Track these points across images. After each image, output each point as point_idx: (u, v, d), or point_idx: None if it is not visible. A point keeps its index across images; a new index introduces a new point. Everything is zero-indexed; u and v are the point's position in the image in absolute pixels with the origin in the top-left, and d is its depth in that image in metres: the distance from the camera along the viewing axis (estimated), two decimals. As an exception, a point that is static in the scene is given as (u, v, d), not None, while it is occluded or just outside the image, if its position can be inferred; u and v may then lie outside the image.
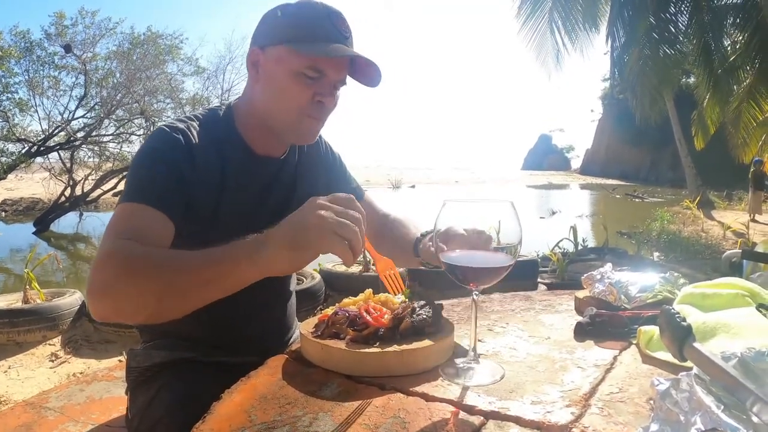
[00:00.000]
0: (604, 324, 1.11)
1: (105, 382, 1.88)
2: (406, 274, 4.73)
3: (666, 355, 0.95)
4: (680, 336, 0.77)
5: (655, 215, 10.75)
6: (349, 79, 1.22)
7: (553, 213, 16.91)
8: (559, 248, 6.59)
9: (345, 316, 0.96)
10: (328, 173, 1.45)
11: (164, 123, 1.21)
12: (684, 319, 0.78)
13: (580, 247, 6.93)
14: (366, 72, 1.21)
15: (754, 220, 13.26)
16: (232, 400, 0.84)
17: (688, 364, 0.76)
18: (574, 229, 6.91)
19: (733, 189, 20.60)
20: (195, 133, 1.18)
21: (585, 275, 1.35)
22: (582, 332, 1.11)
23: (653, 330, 1.02)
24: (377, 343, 0.91)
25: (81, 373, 3.55)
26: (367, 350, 0.89)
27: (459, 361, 0.94)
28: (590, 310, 1.16)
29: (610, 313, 1.14)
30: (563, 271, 5.55)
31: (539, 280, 5.43)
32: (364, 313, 0.95)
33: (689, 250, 8.83)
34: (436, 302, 1.01)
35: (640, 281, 1.26)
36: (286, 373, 0.93)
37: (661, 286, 1.25)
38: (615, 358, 1.00)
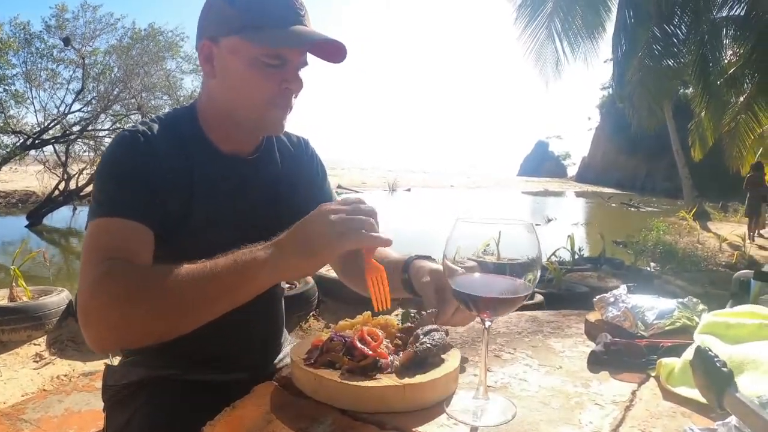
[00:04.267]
0: (619, 353, 1.03)
1: (85, 392, 1.80)
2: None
3: (688, 392, 0.87)
4: (720, 383, 0.68)
5: (651, 225, 10.68)
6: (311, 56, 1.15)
7: (549, 220, 16.82)
8: (556, 257, 6.50)
9: (341, 342, 0.87)
10: (310, 182, 1.37)
11: (126, 128, 1.14)
12: (725, 364, 0.70)
13: (576, 257, 6.84)
14: (325, 48, 1.12)
15: (760, 235, 12.64)
16: (214, 436, 0.76)
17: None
18: (571, 237, 6.81)
19: (728, 201, 20.54)
20: (159, 135, 1.11)
21: (597, 297, 1.26)
22: (596, 362, 1.03)
23: (674, 362, 0.94)
24: (376, 375, 0.82)
25: (65, 375, 3.44)
26: (365, 383, 0.80)
27: (466, 396, 0.85)
28: (604, 337, 1.08)
29: (626, 342, 1.06)
30: (559, 281, 5.47)
31: (536, 289, 5.34)
32: (358, 343, 0.85)
33: (685, 261, 8.78)
34: (441, 327, 0.93)
35: (657, 306, 1.18)
36: (274, 405, 0.84)
37: (680, 312, 1.17)
38: (634, 393, 0.92)
